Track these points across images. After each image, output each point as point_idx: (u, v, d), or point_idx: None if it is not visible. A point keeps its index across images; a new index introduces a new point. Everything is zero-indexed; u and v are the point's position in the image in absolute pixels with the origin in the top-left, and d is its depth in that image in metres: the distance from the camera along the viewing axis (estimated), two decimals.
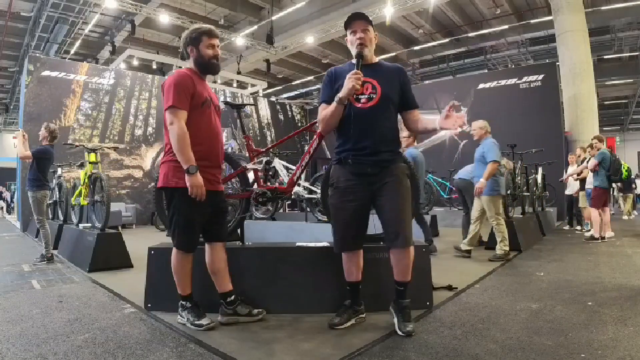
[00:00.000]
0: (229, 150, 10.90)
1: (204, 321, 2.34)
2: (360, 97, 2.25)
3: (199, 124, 2.32)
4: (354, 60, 2.25)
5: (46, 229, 4.83)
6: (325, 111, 2.28)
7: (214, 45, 2.38)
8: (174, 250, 2.40)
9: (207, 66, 2.41)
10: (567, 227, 8.20)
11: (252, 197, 3.11)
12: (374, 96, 2.24)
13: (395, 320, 2.22)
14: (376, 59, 2.38)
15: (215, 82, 16.15)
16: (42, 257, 4.75)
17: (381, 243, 2.57)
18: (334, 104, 2.22)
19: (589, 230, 6.53)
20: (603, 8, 12.52)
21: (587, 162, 6.88)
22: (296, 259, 2.82)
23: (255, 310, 2.49)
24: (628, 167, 6.19)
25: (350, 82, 2.14)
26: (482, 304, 2.82)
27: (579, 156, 7.72)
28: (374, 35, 2.31)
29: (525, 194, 6.68)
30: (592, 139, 6.46)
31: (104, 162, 10.24)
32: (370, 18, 2.32)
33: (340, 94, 2.18)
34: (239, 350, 2.05)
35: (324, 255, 2.83)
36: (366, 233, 2.42)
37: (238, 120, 3.37)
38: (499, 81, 11.27)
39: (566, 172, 8.22)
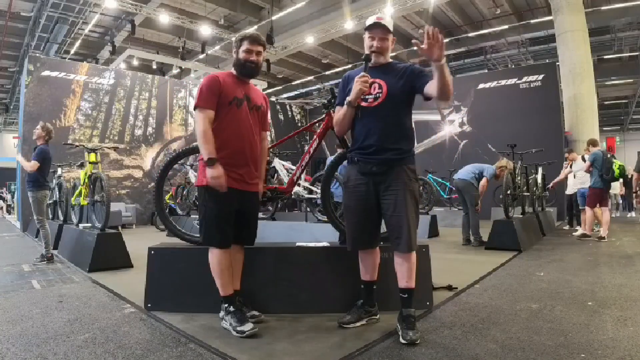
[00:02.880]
0: None
1: (246, 327, 2.24)
2: (367, 97, 2.28)
3: (224, 122, 2.36)
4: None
5: (46, 229, 4.83)
6: (338, 114, 2.38)
7: (251, 50, 2.44)
8: (209, 249, 2.40)
9: (241, 68, 2.47)
10: (567, 227, 8.20)
11: None
12: (380, 95, 2.27)
13: (399, 329, 2.17)
14: (389, 60, 2.40)
15: None
16: (42, 257, 4.75)
17: (382, 243, 2.57)
18: (344, 107, 2.30)
19: (598, 231, 6.56)
20: (603, 8, 12.51)
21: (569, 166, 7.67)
22: (296, 259, 2.82)
23: (250, 313, 2.47)
24: (620, 165, 6.23)
25: (357, 84, 2.20)
26: (482, 304, 2.82)
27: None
28: (391, 41, 2.35)
29: (525, 194, 6.69)
30: (587, 143, 6.73)
31: (104, 162, 10.24)
32: (386, 24, 2.32)
33: (349, 97, 2.25)
34: (239, 350, 2.04)
35: (323, 255, 2.84)
36: (380, 231, 2.41)
37: None
38: (499, 81, 11.28)
39: (565, 170, 8.23)
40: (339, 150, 5.75)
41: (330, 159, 5.79)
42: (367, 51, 2.32)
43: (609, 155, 6.30)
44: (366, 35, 2.34)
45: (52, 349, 2.06)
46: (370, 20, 2.32)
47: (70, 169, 8.60)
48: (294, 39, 14.90)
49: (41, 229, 4.83)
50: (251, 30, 14.48)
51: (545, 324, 2.35)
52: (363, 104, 2.29)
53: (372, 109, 2.27)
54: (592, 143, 6.64)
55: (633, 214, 11.93)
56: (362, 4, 12.40)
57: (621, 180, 12.01)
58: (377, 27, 2.29)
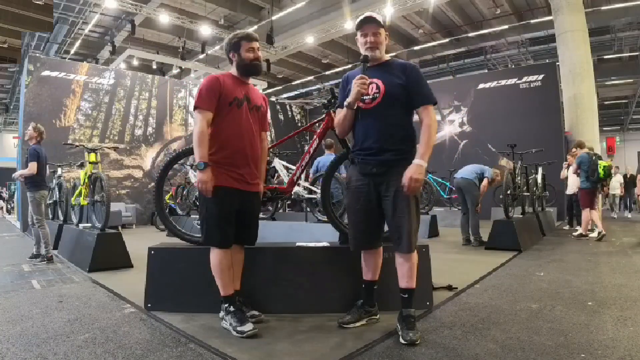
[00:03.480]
0: None
1: (246, 327, 2.25)
2: (365, 97, 2.27)
3: (225, 122, 2.37)
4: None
5: (45, 229, 4.83)
6: (338, 115, 2.38)
7: (253, 48, 2.46)
8: (210, 249, 2.40)
9: (249, 68, 2.49)
10: (567, 227, 8.20)
11: None
12: (377, 95, 2.25)
13: (399, 329, 2.18)
14: (387, 58, 2.38)
15: None
16: (42, 258, 4.75)
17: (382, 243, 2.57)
18: (344, 109, 2.29)
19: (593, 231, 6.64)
20: (603, 8, 12.50)
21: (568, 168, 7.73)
22: (296, 259, 2.82)
23: (250, 313, 2.47)
24: (605, 166, 6.32)
25: (355, 87, 2.20)
26: (482, 304, 2.82)
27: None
28: (385, 36, 2.33)
29: (525, 194, 6.69)
30: (574, 145, 7.01)
31: (104, 162, 10.24)
32: (377, 18, 2.31)
33: (348, 99, 2.25)
34: (239, 350, 2.05)
35: (323, 255, 2.84)
36: (382, 232, 2.41)
37: None
38: (499, 81, 11.27)
39: (567, 169, 8.24)
40: (327, 151, 5.79)
41: (318, 160, 5.79)
42: (362, 50, 2.31)
43: (594, 158, 6.46)
44: (358, 35, 2.33)
45: (52, 349, 2.06)
46: (359, 19, 2.31)
47: (70, 169, 8.60)
48: (294, 39, 14.90)
49: (40, 229, 4.83)
50: (250, 30, 14.52)
51: (545, 324, 2.35)
52: (361, 105, 2.28)
53: (370, 110, 2.26)
54: (579, 145, 6.87)
55: (630, 214, 11.93)
56: (362, 4, 12.39)
57: (622, 181, 12.09)
58: (368, 23, 2.28)
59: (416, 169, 2.14)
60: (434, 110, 2.28)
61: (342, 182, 4.47)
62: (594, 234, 6.40)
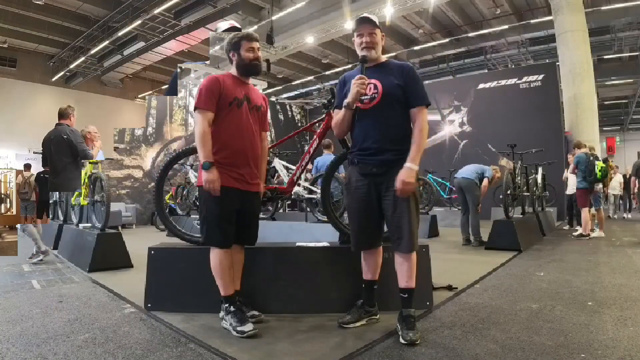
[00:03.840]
0: None
1: (246, 327, 2.24)
2: (363, 98, 2.28)
3: (225, 122, 2.37)
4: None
5: (29, 228, 4.82)
6: (337, 116, 2.38)
7: (253, 48, 2.47)
8: (210, 249, 2.40)
9: (248, 68, 2.49)
10: (567, 227, 8.20)
11: None
12: (376, 96, 2.26)
13: (399, 329, 2.18)
14: (383, 59, 2.40)
15: None
16: (38, 255, 4.74)
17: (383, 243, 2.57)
18: (342, 109, 2.30)
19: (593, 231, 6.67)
20: (603, 8, 12.50)
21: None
22: (296, 259, 2.82)
23: (250, 313, 2.47)
24: (602, 167, 6.35)
25: (354, 87, 2.21)
26: (482, 304, 2.82)
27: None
28: (380, 36, 2.35)
29: (525, 194, 6.69)
30: (572, 146, 7.09)
31: (104, 162, 10.24)
32: (372, 18, 2.33)
33: (347, 100, 2.26)
34: (239, 350, 2.04)
35: (324, 255, 2.84)
36: (382, 232, 2.42)
37: None
38: (499, 81, 11.28)
39: (567, 170, 8.26)
40: (325, 151, 5.79)
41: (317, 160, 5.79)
42: (358, 51, 2.32)
43: (591, 158, 6.50)
44: (355, 36, 2.34)
45: (52, 349, 2.06)
46: (355, 20, 2.34)
47: None
48: (294, 39, 14.88)
49: (24, 230, 4.82)
50: (250, 30, 14.50)
51: (545, 324, 2.35)
52: (359, 105, 2.28)
53: (368, 111, 2.27)
54: (577, 145, 6.95)
55: (629, 215, 11.94)
56: (362, 4, 12.38)
57: (622, 180, 12.10)
58: (364, 23, 2.30)
59: (408, 172, 2.16)
60: (426, 112, 2.30)
61: (342, 182, 4.47)
62: (595, 234, 6.43)
